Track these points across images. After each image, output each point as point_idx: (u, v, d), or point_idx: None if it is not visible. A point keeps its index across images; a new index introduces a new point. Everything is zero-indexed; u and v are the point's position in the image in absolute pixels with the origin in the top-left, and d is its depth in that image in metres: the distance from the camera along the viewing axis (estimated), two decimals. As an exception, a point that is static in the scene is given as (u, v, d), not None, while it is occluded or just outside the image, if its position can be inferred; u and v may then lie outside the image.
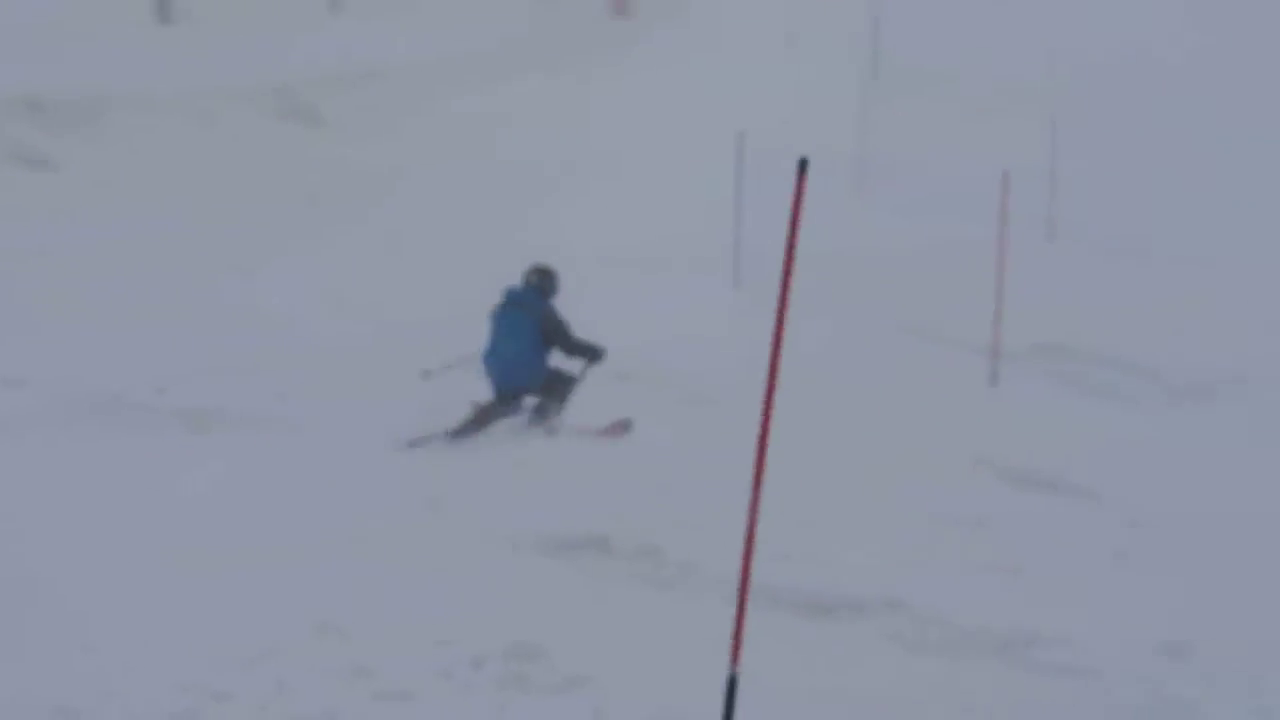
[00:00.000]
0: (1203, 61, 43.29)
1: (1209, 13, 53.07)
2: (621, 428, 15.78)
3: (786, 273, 8.53)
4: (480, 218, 25.87)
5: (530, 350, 15.62)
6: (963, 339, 21.01)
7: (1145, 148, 34.11)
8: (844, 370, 19.61)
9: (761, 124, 30.98)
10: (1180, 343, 22.14)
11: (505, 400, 15.61)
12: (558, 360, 15.95)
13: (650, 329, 19.86)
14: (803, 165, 8.38)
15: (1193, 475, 16.39)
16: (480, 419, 15.41)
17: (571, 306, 20.11)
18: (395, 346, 16.90)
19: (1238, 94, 39.31)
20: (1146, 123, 36.09)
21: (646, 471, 14.50)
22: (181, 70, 32.99)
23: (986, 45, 43.94)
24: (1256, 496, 15.67)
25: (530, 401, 15.88)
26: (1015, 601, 12.09)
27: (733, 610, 8.12)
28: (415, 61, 37.93)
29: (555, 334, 15.69)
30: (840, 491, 14.58)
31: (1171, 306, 23.79)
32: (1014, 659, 11.12)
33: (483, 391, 15.71)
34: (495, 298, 15.90)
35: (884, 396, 18.62)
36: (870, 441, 16.55)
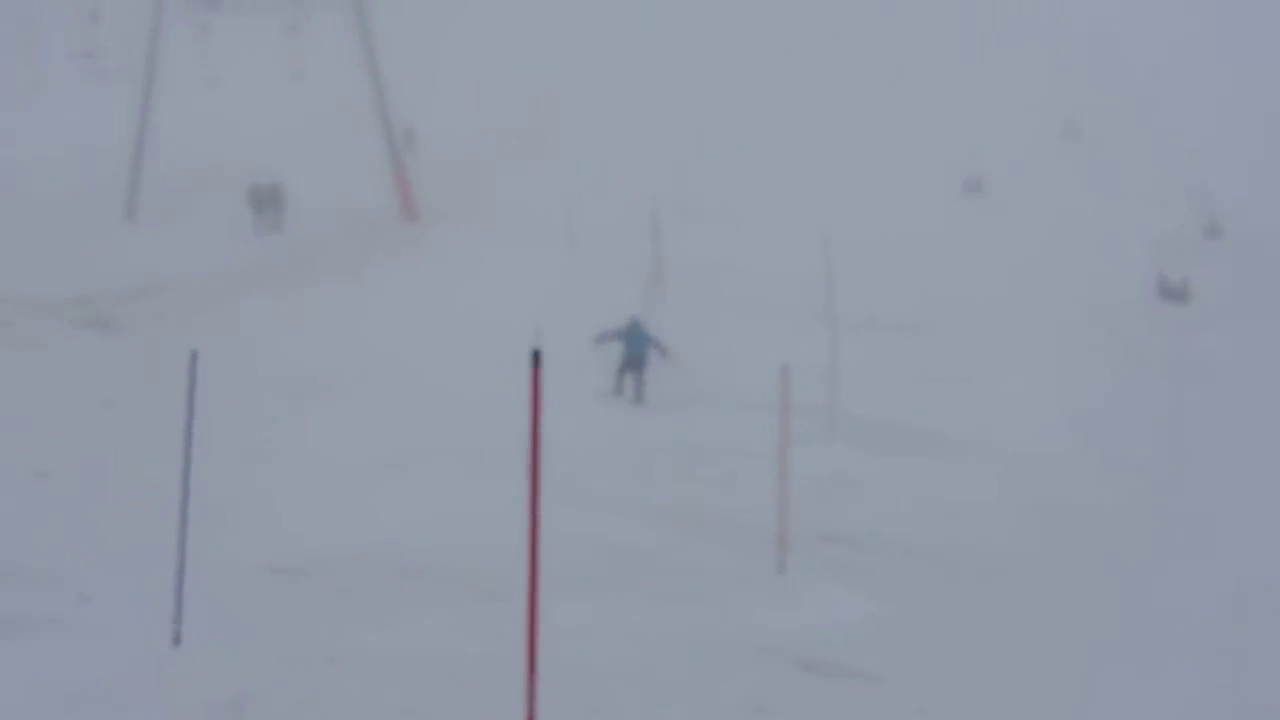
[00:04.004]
0: (961, 255, 44.69)
1: (973, 210, 54.88)
2: None
3: (534, 461, 8.89)
4: (267, 420, 26.04)
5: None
6: (750, 529, 21.39)
7: (923, 340, 35.08)
8: (642, 560, 19.95)
9: (548, 323, 31.46)
10: (958, 527, 22.74)
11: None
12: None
13: (441, 526, 20.15)
14: (536, 358, 8.83)
15: (975, 660, 16.88)
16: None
17: (359, 506, 20.39)
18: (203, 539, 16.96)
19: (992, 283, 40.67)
20: (925, 317, 37.13)
21: (447, 667, 14.69)
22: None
23: (766, 241, 44.97)
24: (1035, 682, 16.21)
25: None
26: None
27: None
28: (209, 269, 38.22)
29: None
30: (635, 682, 14.85)
31: (950, 494, 24.41)
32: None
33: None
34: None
35: (674, 585, 18.96)
36: (663, 627, 16.90)
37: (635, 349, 29.30)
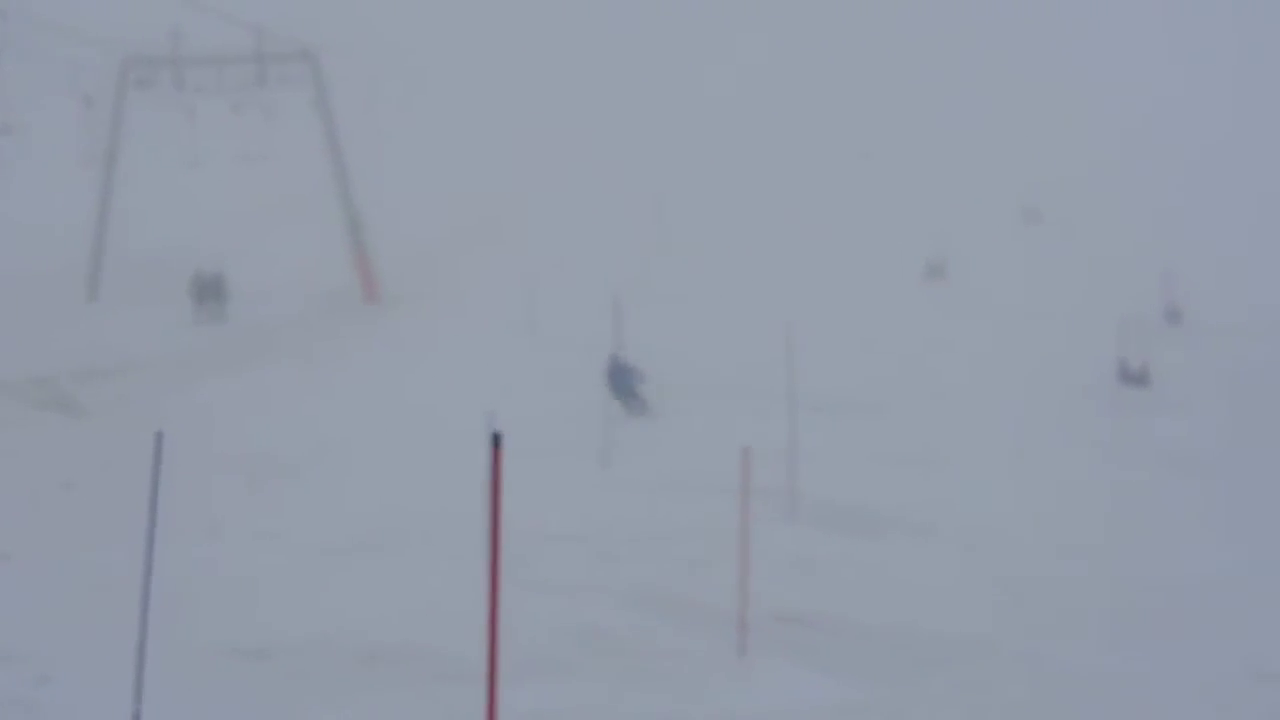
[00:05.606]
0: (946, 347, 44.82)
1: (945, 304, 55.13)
2: None
3: (494, 543, 8.91)
4: (226, 501, 26.02)
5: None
6: (713, 611, 21.34)
7: (884, 422, 35.17)
8: (604, 643, 19.90)
9: (506, 407, 31.57)
10: (920, 609, 22.71)
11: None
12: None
13: (401, 608, 20.09)
14: (496, 440, 8.88)
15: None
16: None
17: (320, 588, 20.27)
18: (163, 620, 16.91)
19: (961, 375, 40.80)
20: (886, 399, 37.21)
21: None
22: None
23: (728, 324, 45.08)
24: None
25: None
26: None
27: None
28: (171, 350, 38.19)
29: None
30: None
31: (912, 576, 24.41)
32: None
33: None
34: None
35: (636, 667, 18.92)
36: (624, 711, 16.84)
37: (618, 384, 34.27)
